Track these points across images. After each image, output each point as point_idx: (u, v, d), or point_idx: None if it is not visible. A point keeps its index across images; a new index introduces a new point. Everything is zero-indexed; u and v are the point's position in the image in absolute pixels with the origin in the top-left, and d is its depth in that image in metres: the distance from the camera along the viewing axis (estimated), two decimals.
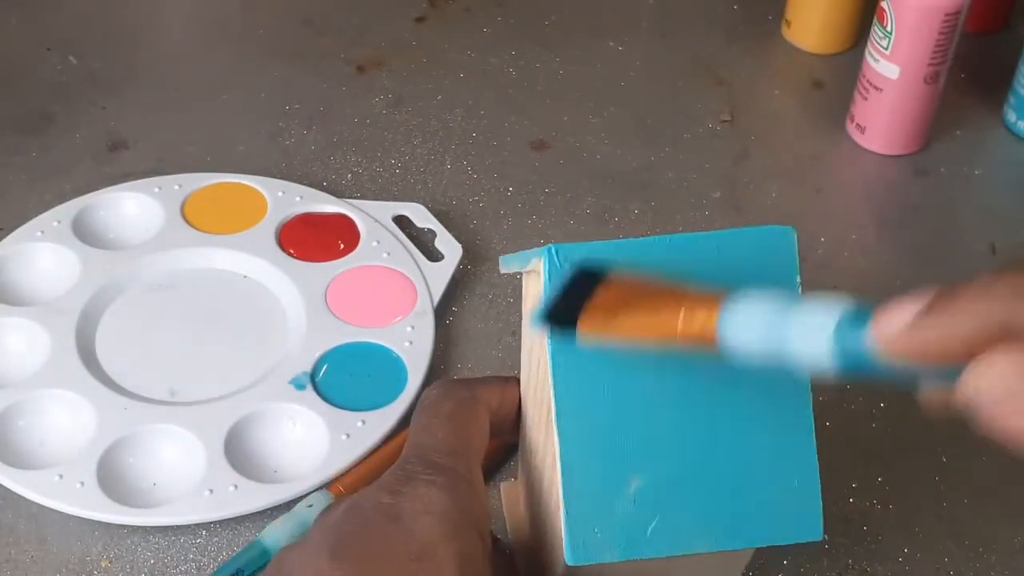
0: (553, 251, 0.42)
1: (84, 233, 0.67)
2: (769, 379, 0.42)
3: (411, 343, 0.62)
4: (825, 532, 0.56)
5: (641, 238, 0.42)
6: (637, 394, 0.42)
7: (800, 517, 0.42)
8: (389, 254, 0.67)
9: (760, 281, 0.42)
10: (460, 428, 0.45)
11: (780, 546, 0.52)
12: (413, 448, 0.44)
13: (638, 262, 0.42)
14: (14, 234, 0.67)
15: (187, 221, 0.68)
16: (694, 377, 0.42)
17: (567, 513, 0.41)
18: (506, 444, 0.56)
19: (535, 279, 0.43)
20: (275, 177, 0.72)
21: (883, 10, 0.74)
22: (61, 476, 0.55)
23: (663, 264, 0.42)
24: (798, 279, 0.42)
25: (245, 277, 0.67)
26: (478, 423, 0.46)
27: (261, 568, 0.53)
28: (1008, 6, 0.90)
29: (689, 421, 0.42)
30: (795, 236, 0.42)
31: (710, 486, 0.42)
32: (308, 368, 0.60)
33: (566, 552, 0.41)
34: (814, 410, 0.42)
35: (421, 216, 0.70)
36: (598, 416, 0.42)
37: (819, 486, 0.42)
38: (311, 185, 0.72)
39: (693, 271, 0.42)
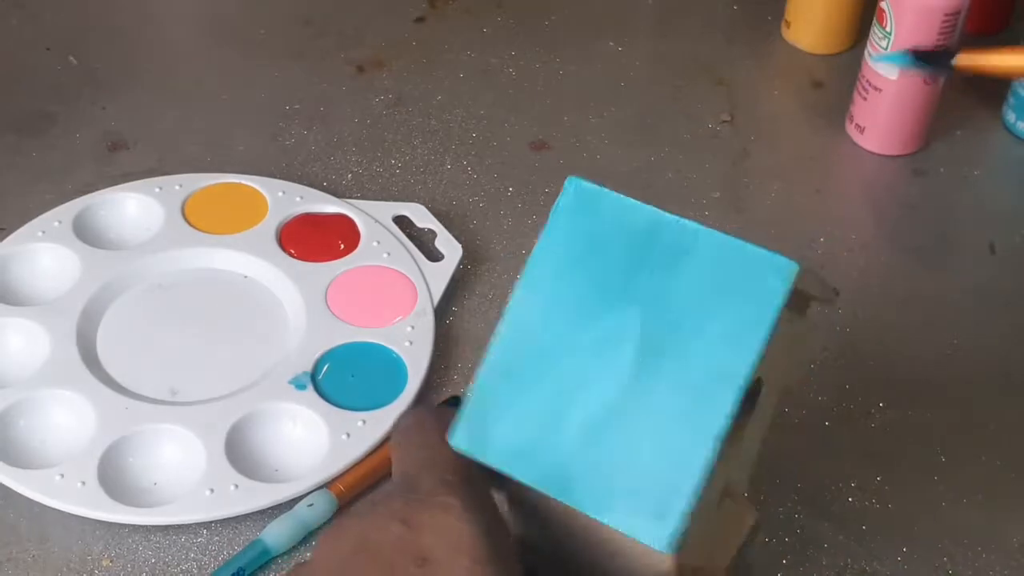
0: (576, 184, 0.44)
1: (84, 233, 0.67)
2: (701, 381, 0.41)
3: (411, 343, 0.62)
4: (825, 532, 0.57)
5: (658, 209, 0.43)
6: (584, 331, 0.43)
7: (658, 517, 0.40)
8: (389, 254, 0.67)
9: (736, 300, 0.41)
10: None
11: (779, 547, 0.52)
12: (413, 465, 0.43)
13: (635, 228, 0.43)
14: (15, 234, 0.67)
15: (187, 221, 0.69)
16: (636, 350, 0.42)
17: (475, 387, 0.43)
18: None
19: None
20: (275, 177, 0.72)
21: (883, 10, 0.74)
22: (62, 475, 0.55)
23: (655, 240, 0.42)
24: (775, 316, 0.41)
25: (245, 277, 0.67)
26: None
27: (261, 568, 0.53)
28: (1008, 6, 0.91)
29: (614, 383, 0.42)
30: (794, 274, 0.41)
31: (598, 447, 0.41)
32: (308, 368, 0.61)
33: (455, 432, 0.42)
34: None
35: (421, 216, 0.70)
36: (548, 327, 0.43)
37: (691, 501, 0.40)
38: (311, 185, 0.72)
39: (678, 258, 0.42)
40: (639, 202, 0.43)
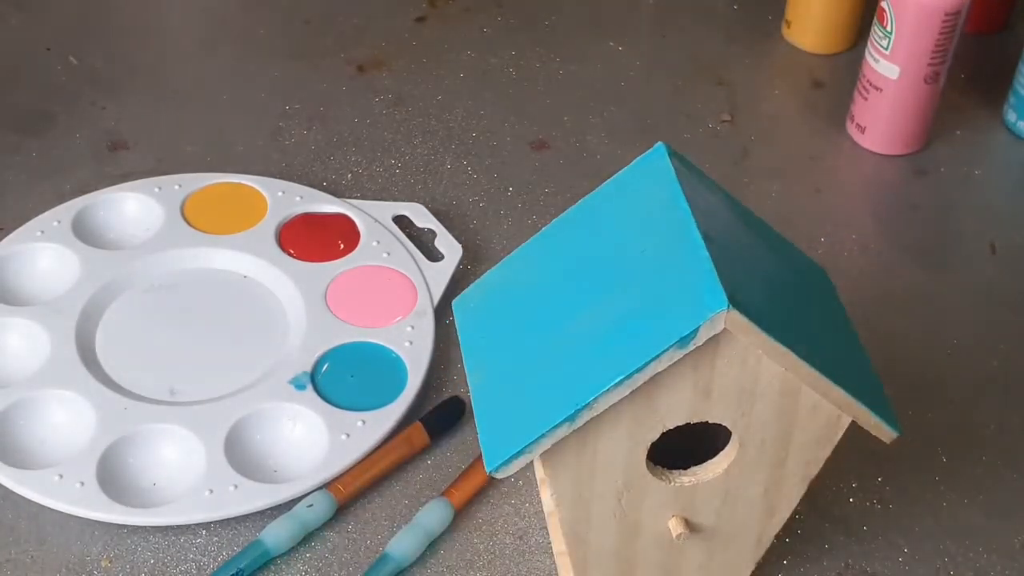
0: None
1: (84, 233, 0.67)
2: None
3: (411, 343, 0.62)
4: (825, 532, 0.57)
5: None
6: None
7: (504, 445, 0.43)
8: (389, 254, 0.67)
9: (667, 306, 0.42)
10: None
11: (779, 547, 0.52)
12: None
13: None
14: (14, 234, 0.67)
15: (187, 221, 0.68)
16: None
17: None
18: None
19: None
20: (275, 177, 0.72)
21: (883, 10, 0.74)
22: (61, 476, 0.55)
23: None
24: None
25: (245, 277, 0.67)
26: None
27: (261, 569, 0.53)
28: (1008, 6, 0.90)
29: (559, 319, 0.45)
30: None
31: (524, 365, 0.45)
32: (308, 368, 0.60)
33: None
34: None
35: (421, 216, 0.70)
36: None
37: (532, 443, 0.42)
38: (311, 185, 0.72)
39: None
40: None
